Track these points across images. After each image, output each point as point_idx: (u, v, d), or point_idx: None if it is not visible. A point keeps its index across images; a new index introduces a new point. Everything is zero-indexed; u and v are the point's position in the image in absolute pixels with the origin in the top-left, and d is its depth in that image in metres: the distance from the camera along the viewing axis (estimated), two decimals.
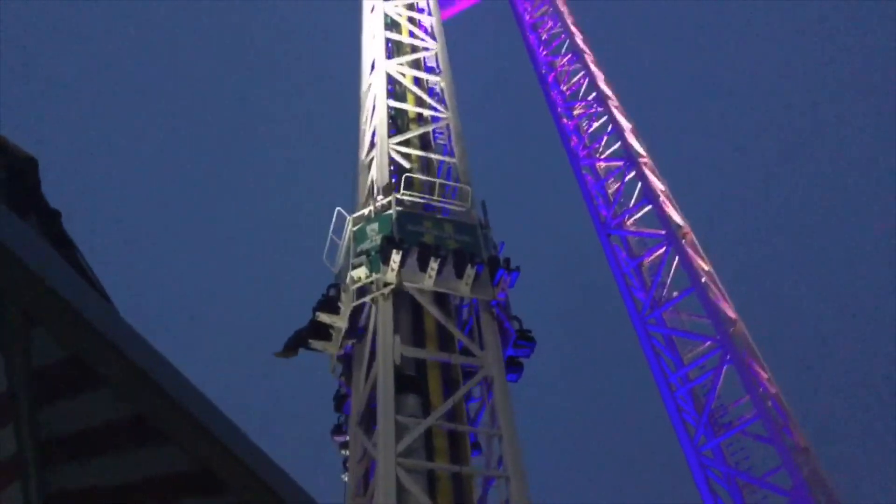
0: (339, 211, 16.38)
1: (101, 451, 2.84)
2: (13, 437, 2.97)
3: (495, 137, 70.72)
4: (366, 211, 16.38)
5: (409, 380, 14.59)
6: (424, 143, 20.01)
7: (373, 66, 20.82)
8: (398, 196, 16.33)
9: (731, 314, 24.88)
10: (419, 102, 20.33)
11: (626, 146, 29.47)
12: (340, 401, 15.68)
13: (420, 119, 20.30)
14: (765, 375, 23.19)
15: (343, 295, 14.73)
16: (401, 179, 17.11)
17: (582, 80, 32.59)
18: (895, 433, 58.14)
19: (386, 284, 14.45)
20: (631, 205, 28.39)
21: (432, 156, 19.39)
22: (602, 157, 30.27)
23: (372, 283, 14.55)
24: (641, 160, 29.26)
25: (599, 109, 31.17)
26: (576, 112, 32.23)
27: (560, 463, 58.71)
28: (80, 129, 75.86)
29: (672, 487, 39.84)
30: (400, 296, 14.81)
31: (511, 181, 73.56)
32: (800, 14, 78.79)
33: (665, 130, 62.60)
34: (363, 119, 20.38)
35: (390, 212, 15.91)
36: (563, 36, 34.45)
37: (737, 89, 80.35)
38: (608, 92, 32.10)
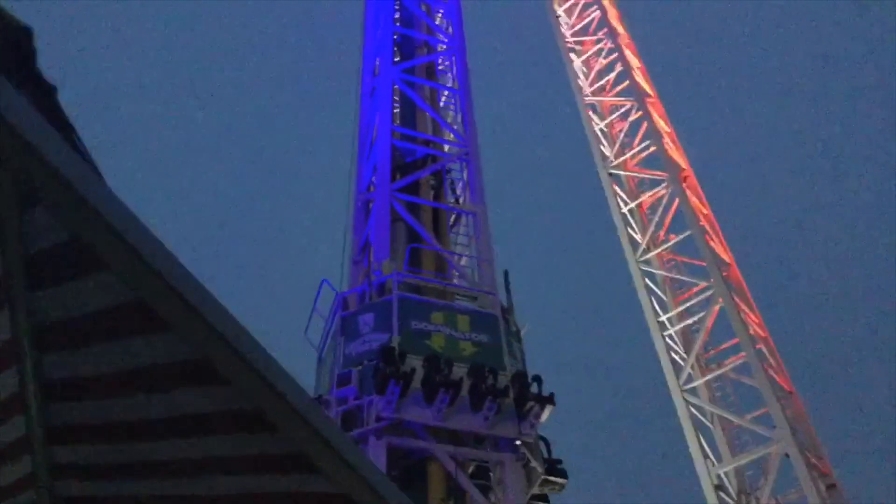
0: (325, 285, 13.88)
1: (99, 337, 2.82)
2: (8, 321, 2.94)
3: (499, 70, 69.45)
4: (358, 292, 13.54)
5: None
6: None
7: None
8: (401, 274, 13.56)
9: (727, 258, 24.95)
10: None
11: (634, 84, 28.99)
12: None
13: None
14: (755, 320, 23.40)
15: None
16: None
17: (593, 14, 31.82)
18: (883, 381, 59.11)
19: (379, 419, 11.23)
20: (634, 145, 28.11)
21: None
22: (609, 94, 29.82)
23: (362, 408, 11.39)
24: (648, 100, 28.84)
25: (609, 46, 30.53)
26: (584, 47, 31.57)
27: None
28: None
29: (660, 431, 40.63)
30: None
31: (513, 117, 72.69)
32: None
33: (671, 72, 61.60)
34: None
35: (390, 299, 12.83)
36: None
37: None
38: (619, 28, 31.38)
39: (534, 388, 12.32)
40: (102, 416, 3.06)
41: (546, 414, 12.29)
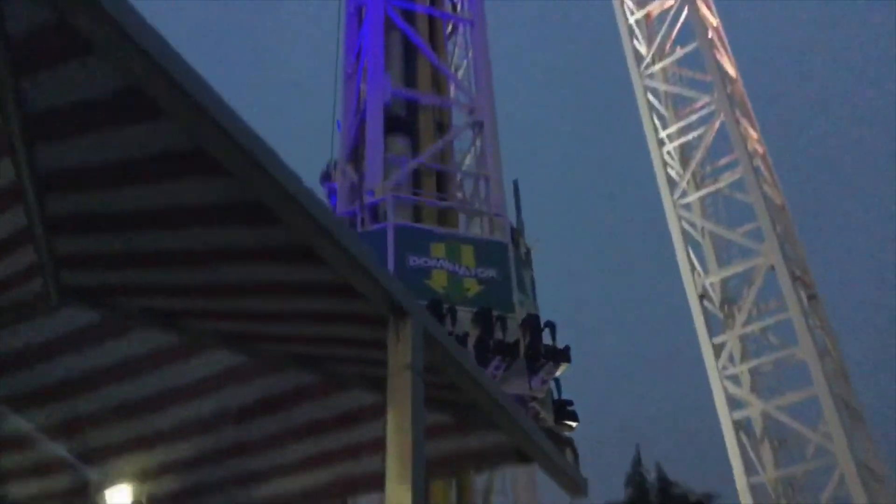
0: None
1: (92, 126, 2.75)
2: None
3: None
4: (348, 215, 12.26)
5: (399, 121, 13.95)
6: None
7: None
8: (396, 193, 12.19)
9: (733, 73, 24.31)
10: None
11: None
12: (325, 178, 15.23)
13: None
14: (755, 135, 23.25)
15: None
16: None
17: None
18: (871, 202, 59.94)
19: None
20: None
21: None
22: None
23: None
24: None
25: None
26: None
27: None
28: None
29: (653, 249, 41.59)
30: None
31: None
32: None
33: None
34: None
35: (384, 227, 11.52)
36: None
37: None
38: None
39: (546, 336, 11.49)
40: (101, 206, 3.07)
41: (560, 370, 11.46)
